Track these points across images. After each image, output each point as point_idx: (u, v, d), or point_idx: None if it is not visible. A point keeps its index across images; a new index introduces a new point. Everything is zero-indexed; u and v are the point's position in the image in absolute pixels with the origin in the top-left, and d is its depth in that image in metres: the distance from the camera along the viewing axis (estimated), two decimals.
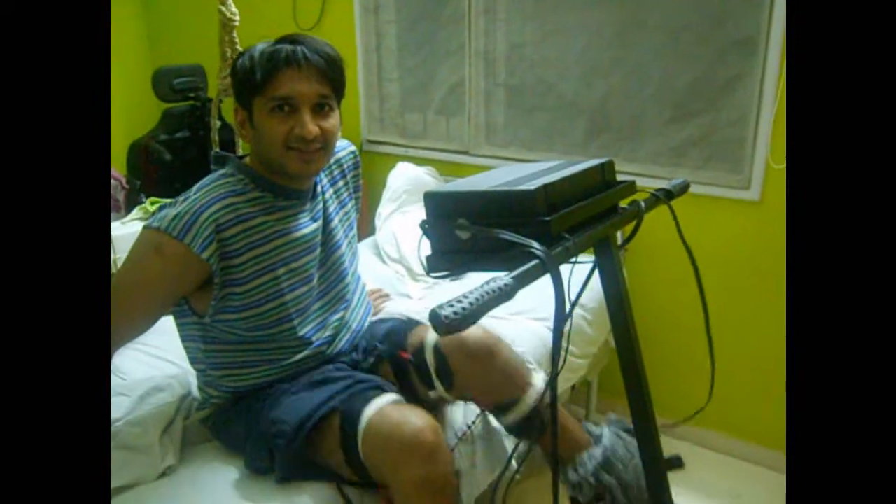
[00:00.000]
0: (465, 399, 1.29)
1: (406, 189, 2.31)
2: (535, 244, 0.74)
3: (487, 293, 0.64)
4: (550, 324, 1.71)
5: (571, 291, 1.89)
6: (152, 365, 1.48)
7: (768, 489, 2.03)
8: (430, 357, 1.23)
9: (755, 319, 2.04)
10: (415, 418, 1.06)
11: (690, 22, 1.96)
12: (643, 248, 2.05)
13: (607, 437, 1.25)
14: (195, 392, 1.35)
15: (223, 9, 1.43)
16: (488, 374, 1.22)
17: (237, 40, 1.49)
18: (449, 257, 0.86)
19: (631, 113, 2.14)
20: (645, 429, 1.02)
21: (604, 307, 1.92)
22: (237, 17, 1.46)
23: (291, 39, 1.14)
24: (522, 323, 1.69)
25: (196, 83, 2.63)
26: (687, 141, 2.04)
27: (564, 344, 1.72)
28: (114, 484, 1.10)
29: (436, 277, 0.89)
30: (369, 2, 2.61)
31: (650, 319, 2.04)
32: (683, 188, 1.12)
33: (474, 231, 0.80)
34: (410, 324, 1.36)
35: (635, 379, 0.99)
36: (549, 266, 0.72)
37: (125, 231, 2.13)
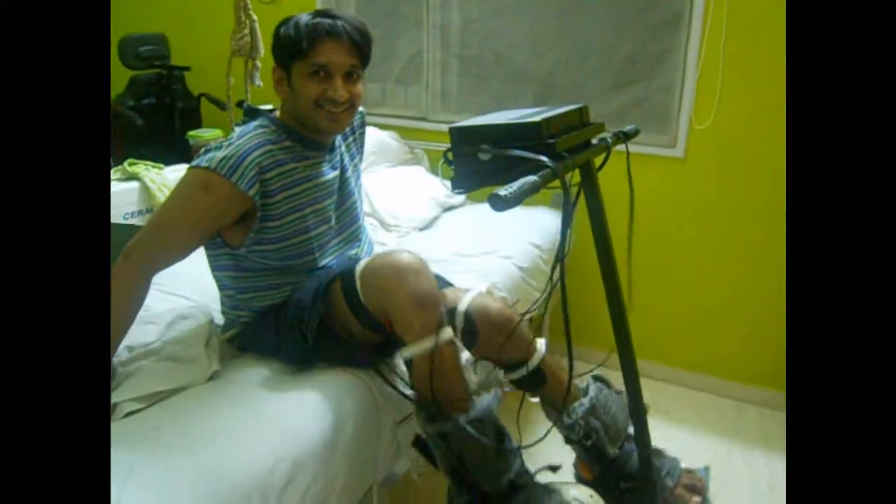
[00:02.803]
0: (482, 358, 1.51)
1: (373, 151, 2.51)
2: (546, 159, 0.98)
3: (524, 184, 0.88)
4: (516, 261, 1.99)
5: (529, 231, 2.18)
6: (169, 300, 1.64)
7: (677, 400, 2.42)
8: (459, 321, 1.43)
9: (680, 257, 2.39)
10: (399, 253, 1.27)
11: (625, 2, 2.26)
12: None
13: (592, 389, 1.50)
14: (216, 318, 1.53)
15: None
16: (501, 339, 1.43)
17: (250, 6, 1.66)
18: (470, 177, 1.09)
19: (575, 82, 2.43)
20: (624, 341, 1.31)
21: (555, 249, 2.20)
22: None
23: (330, 14, 1.32)
24: (493, 260, 1.94)
25: (161, 51, 2.71)
26: (623, 106, 2.35)
27: (533, 282, 1.99)
28: (167, 387, 1.28)
29: (458, 193, 1.12)
30: None
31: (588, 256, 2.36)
32: (636, 132, 1.40)
33: (495, 153, 1.04)
34: (441, 282, 1.54)
35: (614, 290, 1.27)
36: (559, 173, 0.97)
37: None
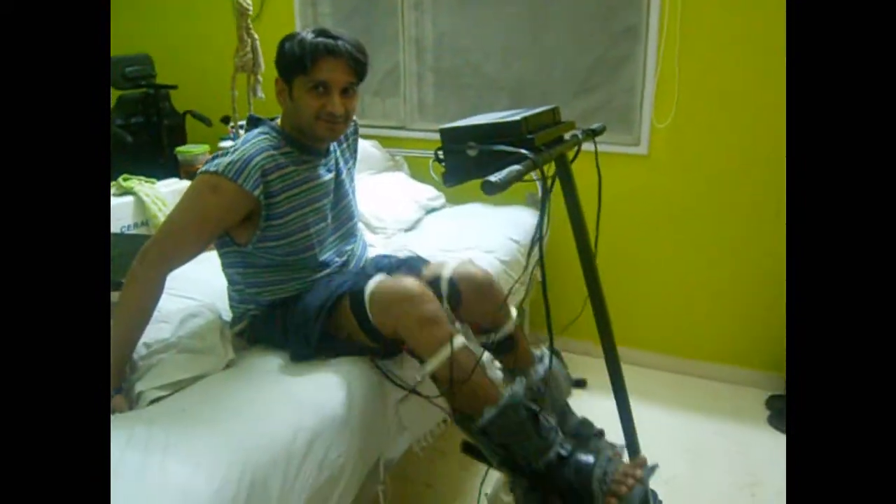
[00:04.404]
0: (463, 321, 1.65)
1: (357, 159, 2.64)
2: (527, 151, 1.13)
3: (511, 172, 1.03)
4: (497, 255, 2.13)
5: (507, 227, 2.34)
6: (179, 302, 1.74)
7: (652, 382, 2.58)
8: (444, 286, 1.58)
9: (648, 246, 2.57)
10: (404, 280, 1.41)
11: (587, 14, 2.45)
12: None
13: (547, 359, 1.63)
14: (225, 315, 1.65)
15: None
16: (485, 303, 1.60)
17: (251, 26, 1.79)
18: (459, 171, 1.24)
19: (543, 88, 2.60)
20: (603, 321, 1.46)
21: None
22: (251, 7, 1.75)
23: (331, 35, 1.43)
24: (477, 255, 2.08)
25: (147, 71, 2.82)
26: (589, 109, 2.53)
27: (514, 274, 2.13)
28: (188, 375, 1.39)
29: (449, 186, 1.26)
30: None
31: (562, 251, 2.52)
32: (602, 129, 1.56)
33: (482, 149, 1.18)
34: (422, 260, 1.72)
35: (590, 267, 1.42)
36: (538, 163, 1.12)
37: None
